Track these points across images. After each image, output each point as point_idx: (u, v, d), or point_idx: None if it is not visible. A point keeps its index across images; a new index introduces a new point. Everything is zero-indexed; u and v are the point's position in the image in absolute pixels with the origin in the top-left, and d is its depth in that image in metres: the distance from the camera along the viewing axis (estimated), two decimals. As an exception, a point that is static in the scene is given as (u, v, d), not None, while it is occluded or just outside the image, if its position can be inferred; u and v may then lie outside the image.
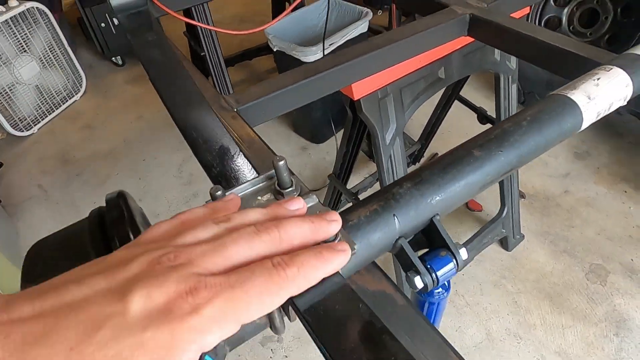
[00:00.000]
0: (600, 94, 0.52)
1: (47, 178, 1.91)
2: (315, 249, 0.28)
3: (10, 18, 1.90)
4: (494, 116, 1.29)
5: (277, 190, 0.38)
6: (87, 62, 2.59)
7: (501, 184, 1.40)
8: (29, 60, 2.04)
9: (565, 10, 1.76)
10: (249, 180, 0.39)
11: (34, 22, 2.02)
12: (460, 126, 1.83)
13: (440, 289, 0.53)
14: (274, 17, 1.69)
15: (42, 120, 2.17)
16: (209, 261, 0.25)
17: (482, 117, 1.33)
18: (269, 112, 0.71)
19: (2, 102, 1.98)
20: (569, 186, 1.65)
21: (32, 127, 2.12)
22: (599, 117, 0.54)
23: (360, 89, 0.86)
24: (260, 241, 0.27)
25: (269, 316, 0.36)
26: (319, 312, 0.31)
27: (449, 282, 0.52)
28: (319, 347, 0.32)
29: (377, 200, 0.42)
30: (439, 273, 0.42)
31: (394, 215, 0.42)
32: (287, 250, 0.28)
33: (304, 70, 0.73)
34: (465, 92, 1.41)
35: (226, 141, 0.46)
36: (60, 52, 2.18)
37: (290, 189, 0.38)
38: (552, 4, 1.78)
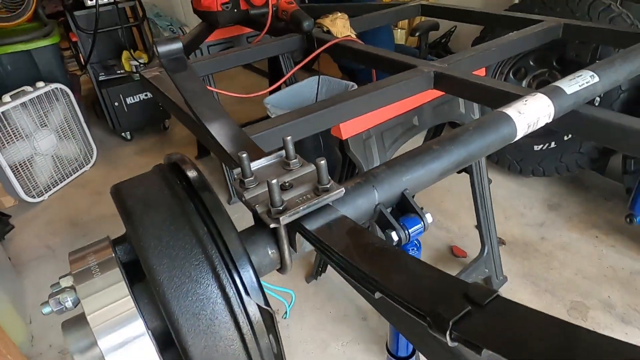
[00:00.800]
0: (528, 110, 0.69)
1: (55, 239, 2.00)
2: None
3: (37, 97, 2.14)
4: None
5: (285, 161, 0.52)
6: (98, 137, 2.81)
7: (480, 228, 1.53)
8: (48, 133, 2.24)
9: (524, 83, 2.04)
10: (264, 156, 0.53)
11: (56, 100, 2.25)
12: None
13: (413, 248, 0.64)
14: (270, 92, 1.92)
15: (54, 187, 2.31)
16: None
17: (457, 166, 1.50)
18: (273, 143, 0.87)
19: (21, 173, 2.13)
20: (545, 234, 1.78)
21: (44, 194, 2.25)
22: (530, 128, 0.70)
23: (347, 130, 1.03)
24: None
25: (279, 250, 0.48)
26: (325, 230, 0.44)
27: (419, 243, 0.63)
28: (327, 257, 0.43)
29: (360, 177, 0.56)
30: (411, 230, 0.55)
31: (373, 186, 0.55)
32: None
33: (300, 111, 0.90)
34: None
35: (245, 142, 0.61)
36: (76, 126, 2.40)
37: (294, 160, 0.52)
38: (512, 77, 2.06)
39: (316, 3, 2.04)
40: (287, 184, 0.48)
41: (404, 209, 0.58)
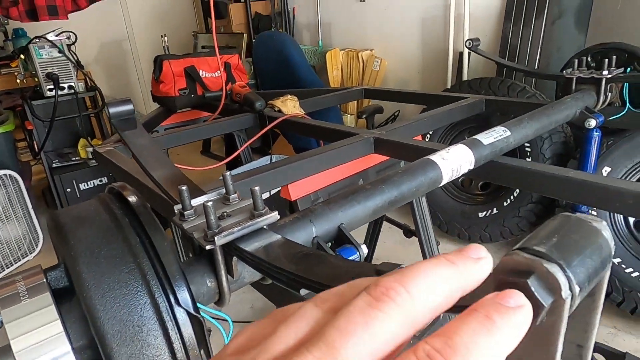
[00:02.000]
0: (451, 157, 0.77)
1: None
2: (479, 315, 0.17)
3: (-19, 182, 2.08)
4: (414, 228, 1.52)
5: (225, 197, 0.55)
6: (45, 225, 2.70)
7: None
8: (-11, 220, 2.14)
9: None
10: (202, 195, 0.56)
11: (4, 186, 2.20)
12: (394, 240, 2.07)
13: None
14: (227, 165, 1.98)
15: (-11, 279, 2.14)
16: None
17: (407, 231, 1.56)
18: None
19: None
20: (499, 296, 1.81)
21: (-23, 285, 2.08)
22: (454, 173, 0.78)
23: (296, 191, 1.08)
24: (382, 317, 0.17)
25: (217, 278, 0.49)
26: (261, 251, 0.46)
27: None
28: (260, 270, 0.45)
29: (298, 213, 0.60)
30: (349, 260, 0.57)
31: (310, 220, 0.59)
32: (428, 319, 0.18)
33: (250, 171, 0.95)
34: (390, 213, 1.68)
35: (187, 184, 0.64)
36: (23, 213, 2.31)
37: (233, 195, 0.55)
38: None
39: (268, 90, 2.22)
40: (225, 214, 0.51)
41: (341, 241, 0.61)
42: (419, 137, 1.40)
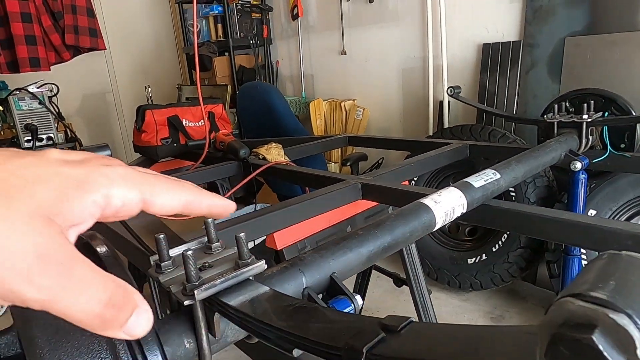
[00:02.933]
0: (443, 200, 0.75)
1: None
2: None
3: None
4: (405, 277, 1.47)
5: (207, 246, 0.51)
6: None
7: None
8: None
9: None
10: (183, 244, 0.51)
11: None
12: (383, 290, 1.99)
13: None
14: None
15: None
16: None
17: (397, 279, 1.50)
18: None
19: None
20: (494, 347, 1.74)
21: None
22: (448, 217, 0.75)
23: (282, 240, 1.03)
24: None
25: (197, 338, 0.43)
26: (246, 305, 0.41)
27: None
28: (245, 328, 0.40)
29: (287, 262, 0.55)
30: (344, 311, 0.52)
31: (300, 270, 0.54)
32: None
33: (233, 220, 0.91)
34: (379, 261, 1.62)
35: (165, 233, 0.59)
36: None
37: (216, 243, 0.51)
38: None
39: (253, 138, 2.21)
40: (206, 264, 0.46)
41: (334, 292, 0.56)
42: (406, 183, 1.38)
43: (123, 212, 0.26)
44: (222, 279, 0.41)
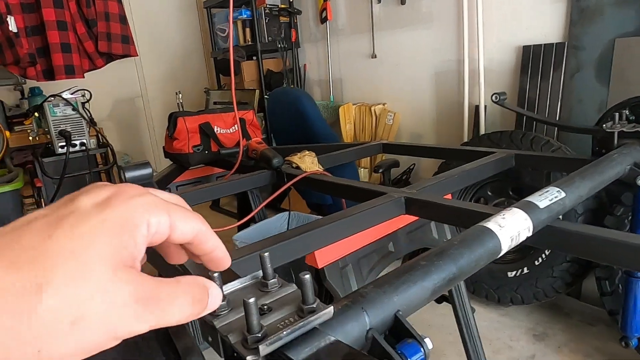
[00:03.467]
0: (508, 223, 0.68)
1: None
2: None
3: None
4: (447, 294, 1.40)
5: (262, 282, 0.46)
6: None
7: (471, 366, 1.39)
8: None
9: (486, 211, 2.12)
10: (237, 278, 0.47)
11: (7, 246, 2.11)
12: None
13: (415, 382, 0.54)
14: (239, 227, 1.89)
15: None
16: None
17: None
18: (244, 273, 0.80)
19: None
20: (538, 368, 1.64)
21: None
22: (513, 242, 0.68)
23: (323, 258, 0.98)
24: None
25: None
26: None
27: (421, 375, 0.53)
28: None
29: (347, 299, 0.50)
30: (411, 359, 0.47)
31: (362, 308, 0.49)
32: None
33: (273, 238, 0.86)
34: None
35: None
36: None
37: (273, 279, 0.46)
38: (474, 207, 2.15)
39: (284, 145, 2.17)
40: (265, 307, 0.41)
41: (399, 334, 0.50)
42: (449, 195, 1.31)
43: (156, 238, 0.28)
44: (289, 331, 0.36)
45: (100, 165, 2.74)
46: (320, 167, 1.49)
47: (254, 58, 3.38)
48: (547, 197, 0.77)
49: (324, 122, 2.29)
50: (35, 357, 0.21)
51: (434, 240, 1.27)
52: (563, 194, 0.79)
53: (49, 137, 2.41)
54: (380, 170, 2.31)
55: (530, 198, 0.77)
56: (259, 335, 0.36)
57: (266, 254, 0.45)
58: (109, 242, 0.24)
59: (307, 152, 1.55)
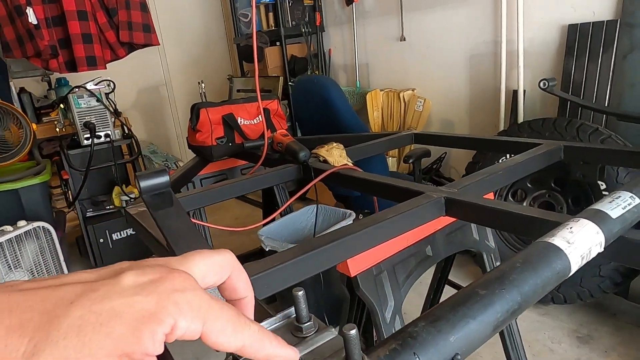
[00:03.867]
0: (577, 239, 0.58)
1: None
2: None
3: (15, 236, 2.01)
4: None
5: (296, 325, 0.38)
6: (76, 277, 2.62)
7: (512, 373, 1.31)
8: (21, 275, 2.06)
9: (524, 204, 1.99)
10: (267, 317, 0.40)
11: (36, 238, 2.12)
12: None
13: None
14: (264, 214, 1.84)
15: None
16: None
17: (475, 298, 1.34)
18: (271, 286, 0.73)
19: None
20: (583, 373, 1.54)
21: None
22: (583, 261, 0.59)
23: (355, 266, 0.91)
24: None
25: None
26: None
27: None
28: None
29: (395, 340, 0.42)
30: (474, 419, 0.38)
31: (414, 353, 0.41)
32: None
33: (302, 247, 0.79)
34: (455, 275, 1.46)
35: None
36: (54, 266, 2.22)
37: (308, 322, 0.38)
38: (511, 199, 2.02)
39: (310, 136, 2.09)
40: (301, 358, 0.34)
41: (458, 383, 0.42)
42: (491, 194, 1.21)
43: (182, 338, 0.26)
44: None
45: (126, 156, 2.74)
46: (349, 160, 1.41)
47: (278, 43, 3.29)
48: (620, 205, 0.66)
49: (352, 111, 2.19)
50: None
51: (475, 242, 1.17)
52: (638, 200, 0.68)
53: (74, 128, 2.40)
54: (411, 161, 2.20)
55: (598, 206, 0.67)
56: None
57: (300, 292, 0.38)
58: (121, 329, 0.23)
59: (335, 144, 1.46)
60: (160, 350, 0.24)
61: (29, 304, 0.23)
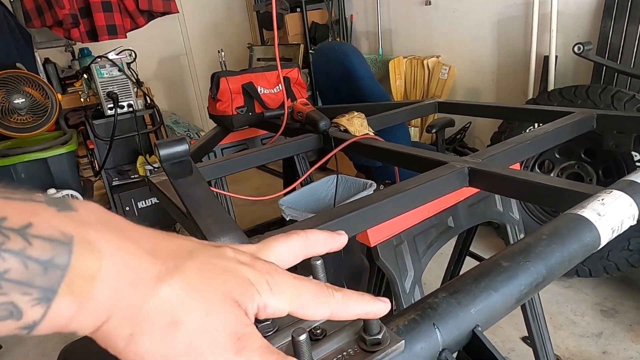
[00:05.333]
0: (609, 211, 0.56)
1: (45, 359, 1.78)
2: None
3: (45, 203, 2.08)
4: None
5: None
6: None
7: (532, 344, 1.30)
8: (52, 241, 2.15)
9: (552, 175, 1.93)
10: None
11: (65, 207, 2.20)
12: None
13: (498, 416, 0.46)
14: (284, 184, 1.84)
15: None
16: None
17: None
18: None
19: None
20: (605, 346, 1.52)
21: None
22: (614, 234, 0.56)
23: (375, 236, 0.90)
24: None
25: None
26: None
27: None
28: None
29: (414, 310, 0.41)
30: (494, 390, 0.38)
31: (433, 324, 0.40)
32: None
33: (321, 216, 0.78)
34: (476, 247, 1.44)
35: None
36: (83, 233, 2.31)
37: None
38: (538, 170, 1.96)
39: (331, 105, 2.06)
40: (318, 330, 0.34)
41: (477, 355, 0.42)
42: (517, 165, 1.17)
43: (272, 315, 0.28)
44: (349, 375, 0.28)
45: (149, 126, 2.77)
46: (371, 130, 1.38)
47: (298, 10, 3.20)
48: (656, 176, 0.63)
49: (374, 80, 2.14)
50: (127, 339, 0.23)
51: (499, 214, 1.15)
52: (676, 171, 0.64)
53: (98, 98, 2.43)
54: (434, 131, 2.15)
55: (633, 177, 0.63)
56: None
57: (318, 262, 0.37)
58: (232, 282, 0.26)
59: (356, 113, 1.44)
60: (252, 321, 0.26)
61: (158, 240, 0.26)
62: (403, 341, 0.32)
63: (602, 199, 0.57)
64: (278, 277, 0.28)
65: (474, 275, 0.46)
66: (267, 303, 0.27)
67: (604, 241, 0.54)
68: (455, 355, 0.43)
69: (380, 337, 0.31)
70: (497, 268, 0.46)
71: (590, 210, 0.55)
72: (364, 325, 0.32)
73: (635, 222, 0.59)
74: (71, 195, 2.22)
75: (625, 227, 0.58)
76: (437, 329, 0.40)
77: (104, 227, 0.24)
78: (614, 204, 0.57)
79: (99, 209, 0.26)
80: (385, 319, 0.41)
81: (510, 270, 0.46)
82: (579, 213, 0.55)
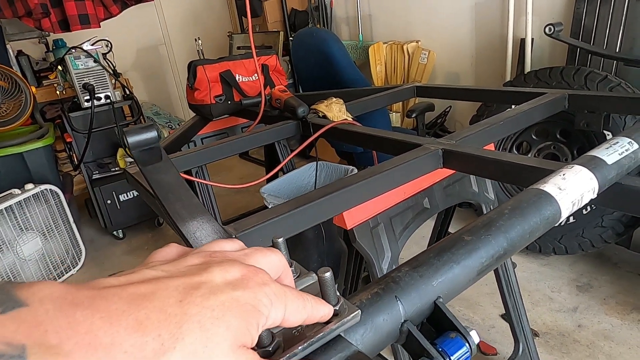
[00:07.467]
0: (569, 185, 0.58)
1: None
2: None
3: (24, 199, 2.05)
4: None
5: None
6: (89, 237, 2.69)
7: (510, 319, 1.34)
8: (32, 236, 2.11)
9: (529, 156, 1.97)
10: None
11: (45, 201, 2.17)
12: None
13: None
14: (267, 180, 1.84)
15: (34, 296, 2.12)
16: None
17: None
18: (267, 241, 0.74)
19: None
20: (580, 320, 1.57)
21: (22, 303, 2.06)
22: (575, 207, 0.58)
23: (352, 218, 0.91)
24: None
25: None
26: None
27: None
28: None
29: (377, 285, 0.43)
30: (454, 357, 0.40)
31: (395, 297, 0.41)
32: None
33: (297, 200, 0.79)
34: (455, 228, 1.47)
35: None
36: (65, 227, 2.28)
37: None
38: (516, 152, 2.00)
39: (310, 92, 2.05)
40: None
41: (439, 325, 0.43)
42: (491, 145, 1.19)
43: (269, 326, 0.27)
44: (305, 345, 0.30)
45: (128, 118, 2.73)
46: (349, 115, 1.39)
47: (277, -4, 3.17)
48: (617, 151, 0.65)
49: (354, 66, 2.14)
50: None
51: (474, 194, 1.17)
52: (636, 146, 0.67)
53: (74, 90, 2.38)
54: (414, 115, 2.17)
55: (595, 152, 0.65)
56: (270, 349, 0.29)
57: (280, 238, 0.38)
58: (236, 322, 0.24)
59: (335, 99, 1.44)
60: (257, 339, 0.26)
61: (140, 304, 0.22)
62: (359, 311, 0.33)
63: (564, 174, 0.59)
64: (274, 287, 0.27)
65: (437, 249, 0.47)
66: (268, 316, 0.26)
67: (564, 214, 0.56)
68: (419, 326, 0.44)
69: (338, 308, 0.32)
70: (459, 242, 0.48)
71: (551, 185, 0.57)
72: (322, 297, 0.33)
73: (595, 195, 0.61)
74: (50, 190, 2.19)
75: (586, 200, 0.60)
76: (399, 301, 0.41)
77: (68, 317, 0.20)
78: (574, 178, 0.59)
79: (58, 289, 0.21)
80: (352, 295, 0.42)
81: (472, 244, 0.48)
82: (540, 188, 0.57)
